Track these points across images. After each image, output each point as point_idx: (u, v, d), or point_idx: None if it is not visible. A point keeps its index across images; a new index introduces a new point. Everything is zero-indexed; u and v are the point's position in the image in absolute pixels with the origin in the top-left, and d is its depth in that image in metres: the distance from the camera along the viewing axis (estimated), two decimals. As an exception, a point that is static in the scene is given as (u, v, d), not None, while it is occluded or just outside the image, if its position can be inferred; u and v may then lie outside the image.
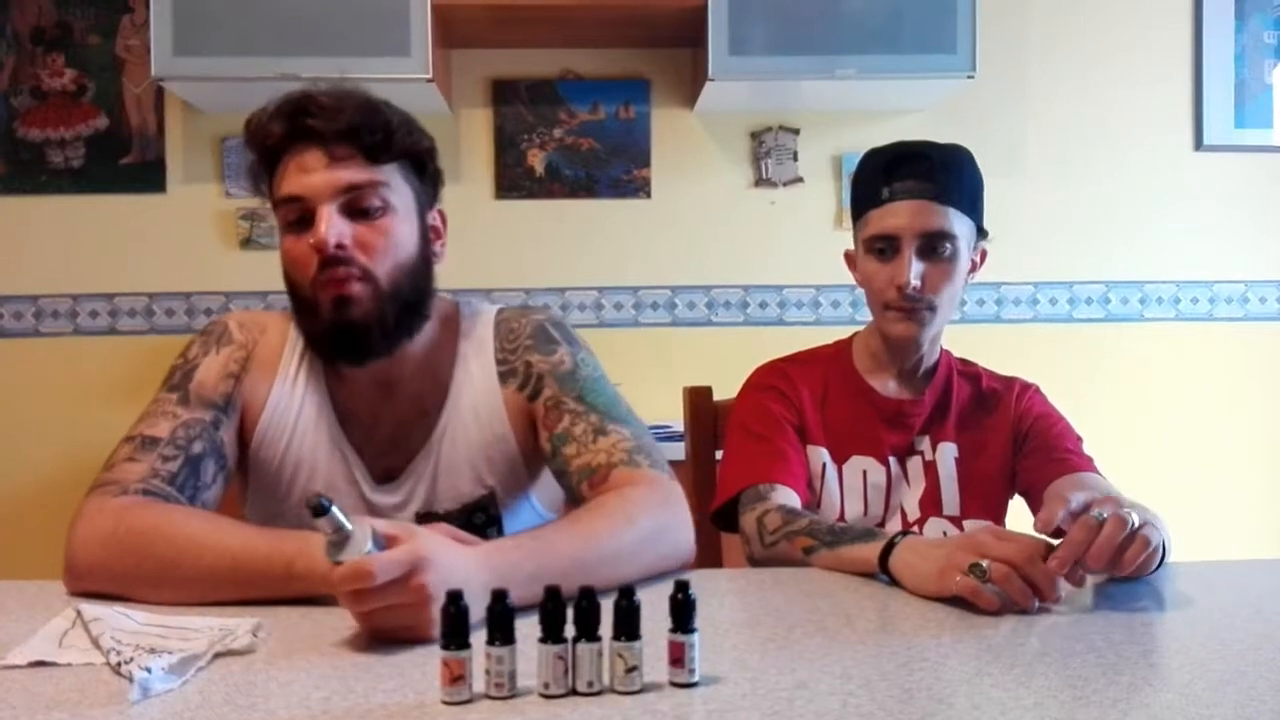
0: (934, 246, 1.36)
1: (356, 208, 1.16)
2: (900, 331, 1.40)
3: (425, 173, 1.25)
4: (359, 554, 0.83)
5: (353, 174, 1.16)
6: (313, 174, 1.15)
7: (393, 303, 1.18)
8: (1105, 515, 0.98)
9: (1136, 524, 1.00)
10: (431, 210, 1.27)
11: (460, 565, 0.89)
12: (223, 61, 2.46)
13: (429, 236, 1.25)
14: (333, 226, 1.14)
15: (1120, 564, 1.00)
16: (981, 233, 1.44)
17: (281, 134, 1.17)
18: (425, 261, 1.23)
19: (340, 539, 0.84)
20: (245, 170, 1.25)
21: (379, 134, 1.17)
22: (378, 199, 1.17)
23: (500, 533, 1.07)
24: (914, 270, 1.35)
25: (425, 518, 1.24)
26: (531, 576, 0.90)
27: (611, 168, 2.89)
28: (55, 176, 2.81)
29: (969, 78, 2.55)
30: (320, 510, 0.82)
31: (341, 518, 0.84)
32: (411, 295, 1.20)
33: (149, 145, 2.83)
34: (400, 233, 1.19)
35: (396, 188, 1.19)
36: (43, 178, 2.81)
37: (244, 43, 2.45)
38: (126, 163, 2.83)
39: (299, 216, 1.17)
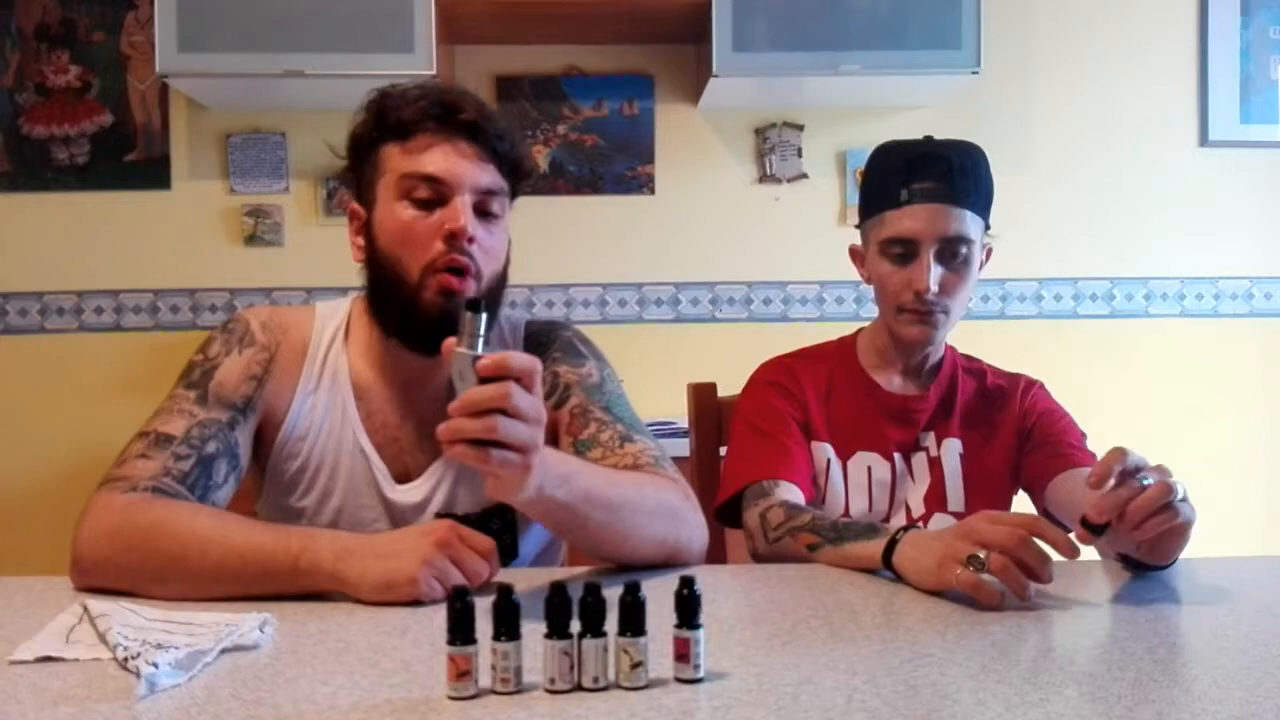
0: (952, 251, 1.36)
1: (482, 210, 1.20)
2: (914, 335, 1.39)
3: (515, 192, 1.29)
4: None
5: (491, 178, 1.20)
6: (461, 162, 1.18)
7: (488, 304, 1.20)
8: (1151, 481, 0.99)
9: (1180, 495, 1.00)
10: None
11: None
12: (227, 58, 2.46)
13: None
14: (471, 218, 1.17)
15: (1146, 528, 0.99)
16: (986, 228, 1.43)
17: (435, 115, 1.19)
18: (506, 273, 1.27)
19: (472, 342, 0.89)
20: (348, 133, 1.24)
21: (513, 149, 1.23)
22: (498, 206, 1.22)
23: (514, 539, 1.08)
24: (933, 275, 1.34)
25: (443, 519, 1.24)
26: (563, 478, 0.98)
27: (615, 164, 2.88)
28: (60, 173, 2.82)
29: (973, 73, 2.54)
30: (475, 308, 0.89)
31: (483, 329, 0.89)
32: (498, 302, 1.25)
33: (154, 142, 2.83)
34: (503, 243, 1.24)
35: (505, 200, 1.24)
36: (47, 175, 2.81)
37: (248, 39, 2.45)
38: (131, 159, 2.83)
39: (427, 197, 1.18)
